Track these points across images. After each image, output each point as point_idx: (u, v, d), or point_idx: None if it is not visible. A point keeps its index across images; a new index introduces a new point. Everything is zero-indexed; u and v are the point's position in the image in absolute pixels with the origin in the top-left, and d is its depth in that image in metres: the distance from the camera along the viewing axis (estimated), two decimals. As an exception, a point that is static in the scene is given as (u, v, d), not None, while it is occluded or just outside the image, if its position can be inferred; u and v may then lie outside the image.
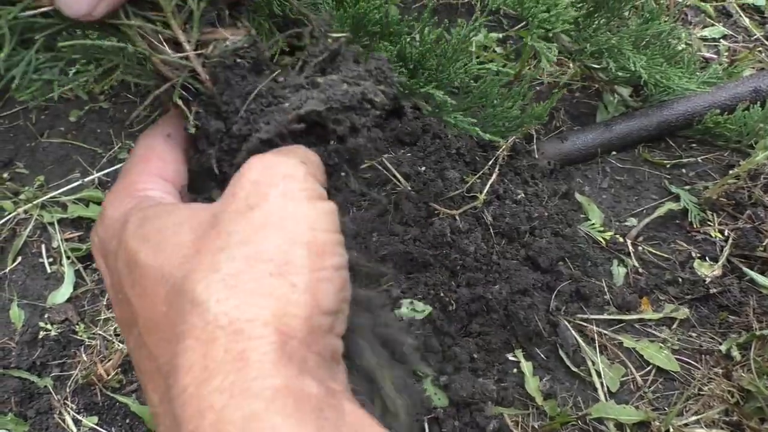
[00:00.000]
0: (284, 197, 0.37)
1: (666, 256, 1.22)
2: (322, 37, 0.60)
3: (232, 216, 0.36)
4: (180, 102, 0.54)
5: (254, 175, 0.38)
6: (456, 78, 1.00)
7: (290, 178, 0.38)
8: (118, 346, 1.13)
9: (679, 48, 1.32)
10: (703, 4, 1.67)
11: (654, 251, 1.23)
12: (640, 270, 1.21)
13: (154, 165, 0.46)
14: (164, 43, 0.55)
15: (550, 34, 0.97)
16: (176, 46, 0.56)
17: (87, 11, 0.43)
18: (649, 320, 1.15)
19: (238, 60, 0.56)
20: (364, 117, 0.56)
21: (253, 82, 0.55)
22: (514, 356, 1.11)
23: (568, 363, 1.10)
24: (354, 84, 0.55)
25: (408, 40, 0.97)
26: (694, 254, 1.20)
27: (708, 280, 1.15)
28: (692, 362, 1.09)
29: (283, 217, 0.36)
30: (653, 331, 1.14)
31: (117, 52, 0.57)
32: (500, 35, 1.64)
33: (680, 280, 1.18)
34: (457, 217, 1.17)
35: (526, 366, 1.09)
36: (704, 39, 1.60)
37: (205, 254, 0.34)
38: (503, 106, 1.01)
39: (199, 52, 0.56)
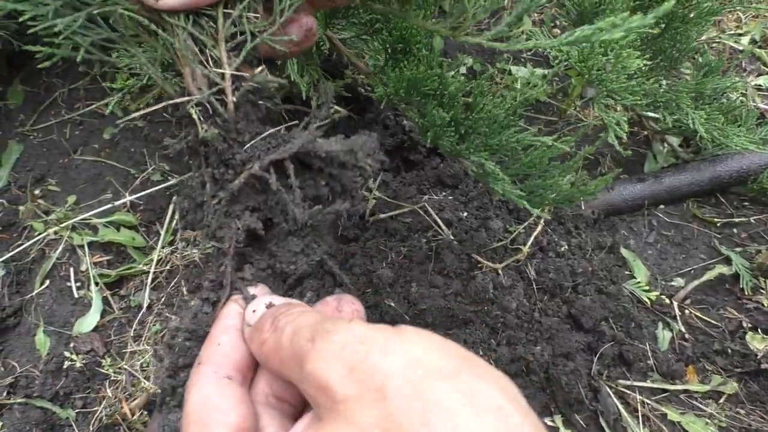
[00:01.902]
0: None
1: (714, 323, 1.17)
2: (327, 106, 0.63)
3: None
4: (194, 115, 0.56)
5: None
6: (507, 145, 0.96)
7: None
8: (144, 383, 1.10)
9: (738, 103, 1.27)
10: (758, 50, 1.61)
11: (702, 317, 1.18)
12: (687, 336, 1.16)
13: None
14: (209, 60, 0.58)
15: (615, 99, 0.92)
16: (214, 65, 0.59)
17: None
18: (695, 392, 1.10)
19: (260, 101, 0.59)
20: (351, 181, 0.60)
21: (264, 125, 0.57)
22: (553, 421, 1.07)
23: (608, 433, 1.06)
24: (346, 152, 0.59)
25: (461, 106, 0.93)
26: (745, 324, 1.15)
27: (760, 354, 1.09)
28: (740, 442, 1.05)
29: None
30: (699, 404, 1.09)
31: (157, 50, 0.62)
32: (546, 71, 1.59)
33: (729, 350, 1.13)
34: (500, 271, 1.12)
35: (565, 434, 1.04)
36: (759, 88, 1.54)
37: None
38: (553, 178, 0.96)
39: (238, 72, 0.59)
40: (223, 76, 0.58)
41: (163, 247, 1.28)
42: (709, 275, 1.20)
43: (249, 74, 0.60)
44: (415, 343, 0.32)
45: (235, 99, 0.58)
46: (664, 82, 1.32)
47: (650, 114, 1.39)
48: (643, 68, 1.07)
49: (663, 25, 1.18)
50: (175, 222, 1.32)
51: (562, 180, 0.98)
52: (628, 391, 1.09)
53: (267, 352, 0.38)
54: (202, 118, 0.57)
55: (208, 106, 0.57)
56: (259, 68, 0.61)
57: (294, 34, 0.60)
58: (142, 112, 0.61)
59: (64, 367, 1.14)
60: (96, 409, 1.09)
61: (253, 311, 0.44)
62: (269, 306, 0.44)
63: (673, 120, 1.23)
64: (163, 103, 0.61)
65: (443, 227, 1.15)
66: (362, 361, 0.30)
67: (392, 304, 1.09)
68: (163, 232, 1.30)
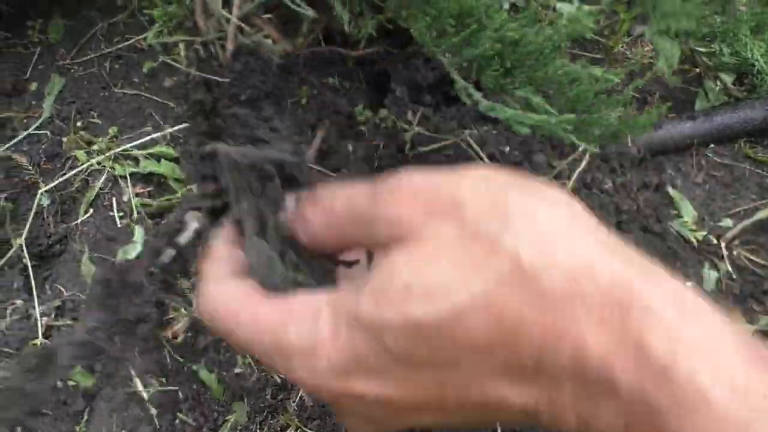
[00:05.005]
0: None
1: (765, 263, 1.14)
2: None
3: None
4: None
5: None
6: (553, 77, 0.92)
7: None
8: (185, 310, 1.12)
9: (801, 36, 1.20)
10: (822, -14, 1.52)
11: (751, 257, 1.14)
12: (734, 276, 1.13)
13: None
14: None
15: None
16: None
17: None
18: (741, 331, 1.07)
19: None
20: None
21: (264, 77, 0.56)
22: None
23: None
24: None
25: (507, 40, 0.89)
26: (797, 265, 1.12)
27: (812, 294, 1.06)
28: (786, 380, 1.02)
29: None
30: (744, 343, 1.07)
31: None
32: (593, 8, 1.52)
33: (779, 291, 1.10)
34: (543, 205, 1.10)
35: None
36: (821, 25, 1.46)
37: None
38: (600, 112, 0.92)
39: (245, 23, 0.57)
40: (228, 21, 0.56)
41: (202, 180, 1.29)
42: (761, 214, 1.16)
43: (253, 28, 0.57)
44: (483, 168, 0.35)
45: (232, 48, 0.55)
46: (718, 18, 1.26)
47: (703, 49, 1.33)
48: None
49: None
50: (214, 155, 1.32)
51: (609, 115, 0.95)
52: (671, 329, 1.07)
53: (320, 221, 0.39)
54: (199, 57, 0.56)
55: (212, 48, 0.55)
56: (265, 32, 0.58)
57: None
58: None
59: (109, 292, 1.16)
60: (141, 331, 1.11)
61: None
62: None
63: (730, 52, 1.17)
64: (176, 38, 0.61)
65: (486, 160, 1.13)
66: (437, 188, 0.34)
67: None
68: (202, 165, 1.31)
